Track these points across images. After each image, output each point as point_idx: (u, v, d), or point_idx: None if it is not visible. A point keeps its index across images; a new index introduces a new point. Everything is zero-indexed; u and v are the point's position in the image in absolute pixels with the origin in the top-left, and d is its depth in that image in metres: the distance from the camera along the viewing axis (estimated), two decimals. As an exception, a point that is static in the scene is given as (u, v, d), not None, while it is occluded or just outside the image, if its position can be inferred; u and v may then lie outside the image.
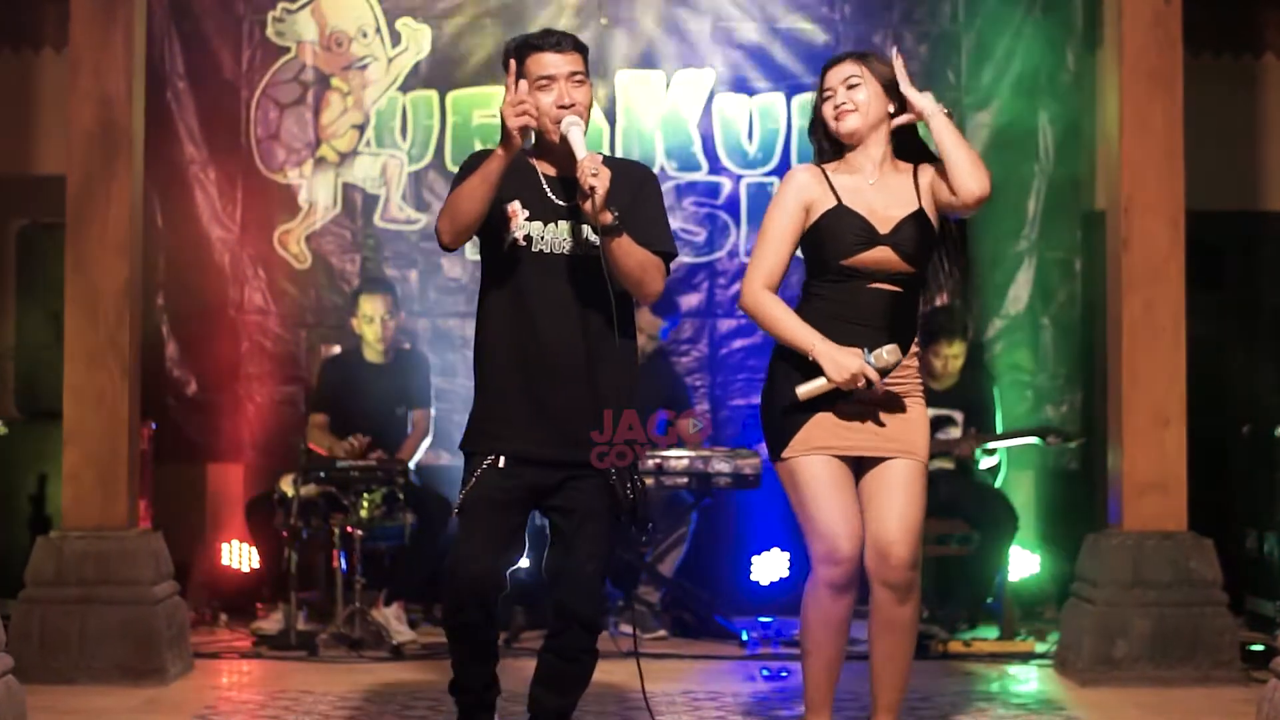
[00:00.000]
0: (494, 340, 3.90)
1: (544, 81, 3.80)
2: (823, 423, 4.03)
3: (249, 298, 7.19)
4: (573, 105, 3.81)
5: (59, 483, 5.59)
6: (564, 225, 3.86)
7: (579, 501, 3.84)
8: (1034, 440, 6.67)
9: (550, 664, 3.93)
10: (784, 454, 4.07)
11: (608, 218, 3.69)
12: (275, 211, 7.21)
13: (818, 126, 4.19)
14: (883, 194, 4.09)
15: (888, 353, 3.94)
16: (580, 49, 3.88)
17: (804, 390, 4.00)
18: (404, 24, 7.25)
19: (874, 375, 3.94)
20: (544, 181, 3.90)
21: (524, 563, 6.32)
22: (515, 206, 3.85)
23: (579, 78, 3.84)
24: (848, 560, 4.01)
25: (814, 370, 4.01)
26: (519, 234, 3.83)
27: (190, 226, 7.15)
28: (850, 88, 4.09)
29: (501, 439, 3.85)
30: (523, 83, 3.78)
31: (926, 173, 4.15)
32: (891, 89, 4.13)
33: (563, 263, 3.86)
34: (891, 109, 4.13)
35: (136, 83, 5.63)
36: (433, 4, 7.25)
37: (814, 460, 4.03)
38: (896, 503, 4.02)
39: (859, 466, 4.09)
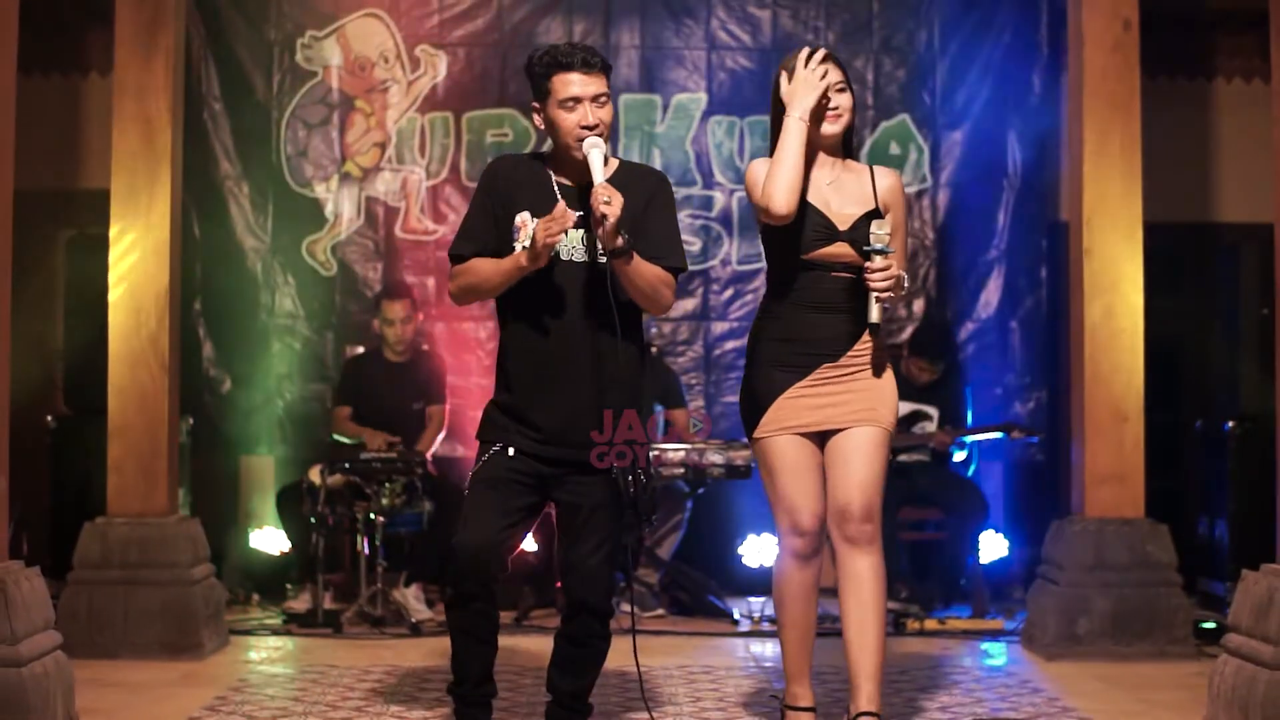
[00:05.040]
0: (510, 343, 3.84)
1: (570, 103, 3.67)
2: (791, 403, 3.98)
3: (279, 302, 7.23)
4: (596, 126, 3.68)
5: (104, 473, 5.61)
6: (575, 234, 3.72)
7: (584, 495, 3.76)
8: (999, 435, 6.72)
9: (564, 648, 3.89)
10: (755, 434, 4.04)
11: (619, 243, 3.59)
12: (303, 223, 7.24)
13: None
14: (839, 193, 4.02)
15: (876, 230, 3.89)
16: (606, 69, 3.73)
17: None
18: (422, 50, 7.28)
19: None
20: (559, 191, 3.77)
21: (531, 545, 6.41)
22: (525, 217, 3.74)
23: (603, 99, 3.69)
24: (810, 533, 4.02)
25: (788, 357, 3.98)
26: (529, 243, 3.67)
27: (225, 237, 7.19)
28: (839, 91, 3.99)
29: (511, 433, 3.78)
30: (560, 205, 3.62)
31: (885, 178, 4.07)
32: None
33: (575, 270, 3.74)
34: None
35: (176, 104, 5.66)
36: (448, 32, 7.27)
37: (780, 440, 3.99)
38: (854, 465, 3.96)
39: (825, 436, 4.03)
